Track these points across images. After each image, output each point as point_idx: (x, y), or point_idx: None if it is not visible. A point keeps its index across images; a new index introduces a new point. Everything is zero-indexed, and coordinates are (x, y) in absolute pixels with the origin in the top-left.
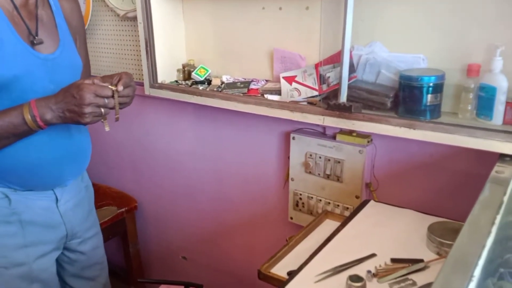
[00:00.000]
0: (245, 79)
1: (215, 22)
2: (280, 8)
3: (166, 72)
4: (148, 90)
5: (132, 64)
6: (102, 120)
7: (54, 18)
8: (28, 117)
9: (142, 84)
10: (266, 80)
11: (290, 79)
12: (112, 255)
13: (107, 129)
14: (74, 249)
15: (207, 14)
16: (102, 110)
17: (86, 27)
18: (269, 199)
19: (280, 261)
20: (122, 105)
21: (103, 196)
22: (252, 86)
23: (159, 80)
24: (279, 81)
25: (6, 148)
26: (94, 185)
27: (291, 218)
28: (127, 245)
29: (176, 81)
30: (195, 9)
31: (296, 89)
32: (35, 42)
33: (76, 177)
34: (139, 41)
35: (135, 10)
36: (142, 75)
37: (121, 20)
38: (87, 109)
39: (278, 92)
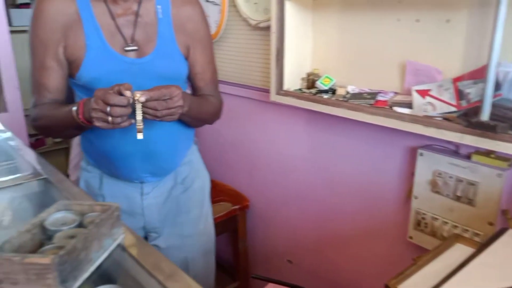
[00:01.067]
0: (371, 90)
1: (344, 32)
2: (418, 20)
3: (291, 80)
4: (274, 97)
5: (258, 71)
6: (137, 126)
7: (156, 26)
8: (74, 113)
9: (266, 91)
10: (395, 92)
11: (423, 93)
12: (221, 250)
13: (138, 136)
14: (151, 241)
15: (336, 24)
16: (109, 117)
17: (219, 35)
18: (386, 214)
19: (407, 279)
20: (154, 117)
21: (220, 192)
22: (379, 98)
23: (285, 88)
24: (409, 94)
25: (94, 137)
26: (212, 181)
27: (410, 238)
28: (236, 241)
29: (300, 89)
30: (324, 20)
31: (430, 103)
32: (127, 48)
33: (157, 177)
34: (267, 49)
35: (267, 21)
36: (268, 82)
37: (252, 30)
38: (94, 114)
39: (408, 105)
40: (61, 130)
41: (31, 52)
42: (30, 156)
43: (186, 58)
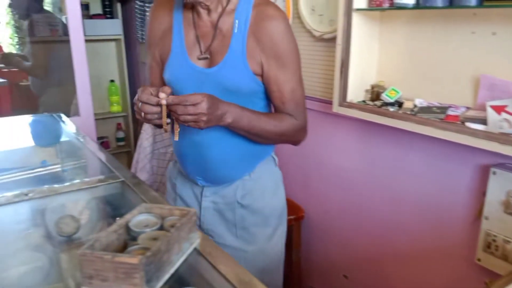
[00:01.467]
0: (441, 104)
1: (412, 44)
2: (494, 33)
3: (355, 92)
4: (336, 108)
5: (319, 82)
6: (164, 127)
7: (230, 39)
8: None
9: (327, 102)
10: (467, 107)
11: (499, 109)
12: None
13: (175, 138)
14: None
15: (404, 36)
16: (142, 113)
17: None
18: (453, 235)
19: None
20: (180, 122)
21: None
22: (450, 112)
23: (348, 99)
24: (483, 109)
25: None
26: None
27: (479, 260)
28: (290, 252)
29: (364, 101)
30: (392, 31)
31: (506, 119)
32: (200, 57)
33: (209, 182)
34: (330, 60)
35: (331, 32)
36: (329, 93)
37: (316, 41)
38: (135, 107)
39: (482, 121)
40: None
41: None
42: (107, 158)
43: (259, 74)
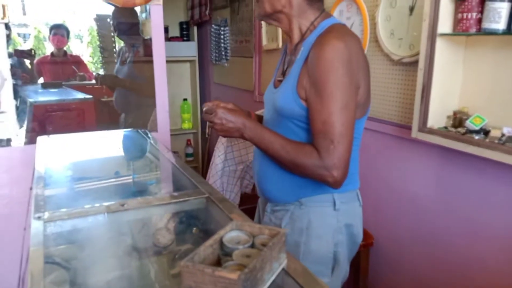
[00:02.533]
0: None
1: (499, 70)
2: None
3: (436, 117)
4: (415, 134)
5: (397, 106)
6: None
7: (294, 64)
8: None
9: (404, 127)
10: None
11: None
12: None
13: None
14: None
15: (491, 62)
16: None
17: None
18: None
19: None
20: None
21: None
22: None
23: (428, 125)
24: None
25: None
26: None
27: None
28: (358, 279)
29: (445, 127)
30: (478, 56)
31: None
32: (277, 79)
33: (262, 196)
34: (409, 84)
35: (411, 56)
36: (406, 118)
37: (394, 65)
38: None
39: None
40: None
41: None
42: (191, 174)
43: (304, 98)
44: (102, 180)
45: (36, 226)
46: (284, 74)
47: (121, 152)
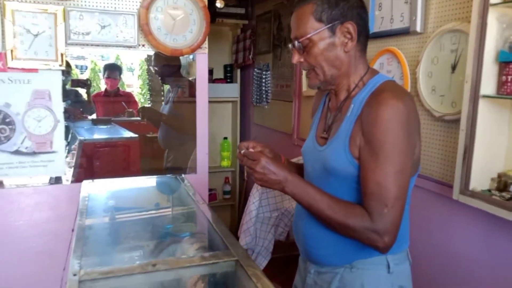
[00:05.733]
0: None
1: None
2: None
3: (478, 179)
4: (457, 196)
5: (438, 162)
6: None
7: (343, 121)
8: None
9: (446, 184)
10: None
11: None
12: None
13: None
14: None
15: None
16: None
17: None
18: None
19: None
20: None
21: None
22: None
23: (470, 187)
24: None
25: None
26: None
27: None
28: None
29: (489, 190)
30: None
31: None
32: (321, 135)
33: (305, 257)
34: (450, 141)
35: (453, 114)
36: (447, 175)
37: (435, 121)
38: None
39: None
40: None
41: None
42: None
43: (357, 157)
44: (137, 232)
45: (71, 285)
46: (329, 130)
47: (157, 202)
